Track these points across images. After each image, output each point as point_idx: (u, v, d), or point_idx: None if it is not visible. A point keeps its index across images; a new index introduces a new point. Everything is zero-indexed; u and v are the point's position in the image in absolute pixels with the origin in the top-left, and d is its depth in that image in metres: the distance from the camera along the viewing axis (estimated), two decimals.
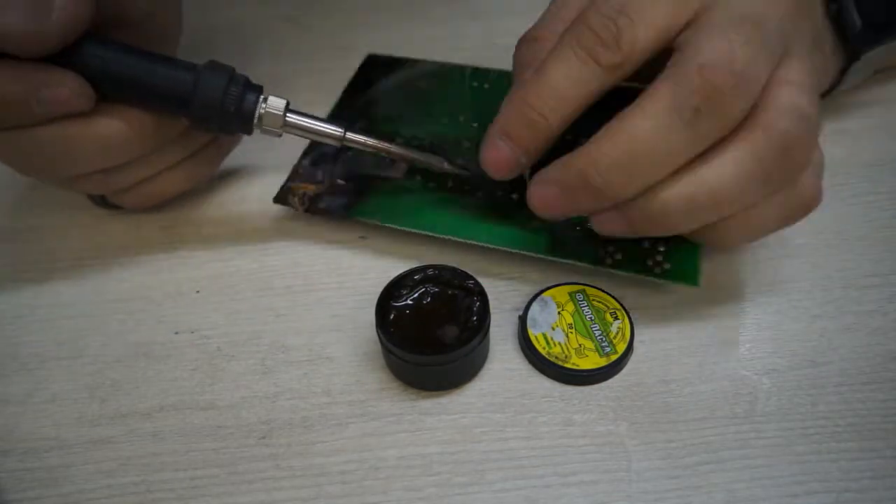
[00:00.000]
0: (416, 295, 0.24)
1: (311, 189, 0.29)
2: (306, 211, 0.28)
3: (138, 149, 0.26)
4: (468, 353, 0.23)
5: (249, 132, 0.26)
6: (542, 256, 0.26)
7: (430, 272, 0.24)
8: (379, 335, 0.23)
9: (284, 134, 0.26)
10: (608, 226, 0.23)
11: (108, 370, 0.25)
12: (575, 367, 0.24)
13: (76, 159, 0.25)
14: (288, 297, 0.27)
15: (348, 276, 0.28)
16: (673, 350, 0.25)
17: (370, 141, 0.26)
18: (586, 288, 0.26)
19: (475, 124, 0.31)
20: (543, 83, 0.22)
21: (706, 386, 0.24)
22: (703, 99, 0.20)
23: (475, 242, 0.26)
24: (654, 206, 0.22)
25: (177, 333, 0.26)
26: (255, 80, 0.26)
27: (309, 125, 0.26)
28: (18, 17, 0.22)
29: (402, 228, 0.27)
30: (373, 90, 0.33)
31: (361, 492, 0.22)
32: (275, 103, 0.25)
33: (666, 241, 0.26)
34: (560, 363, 0.24)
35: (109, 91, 0.24)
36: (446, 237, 0.27)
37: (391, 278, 0.24)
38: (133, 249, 0.29)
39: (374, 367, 0.25)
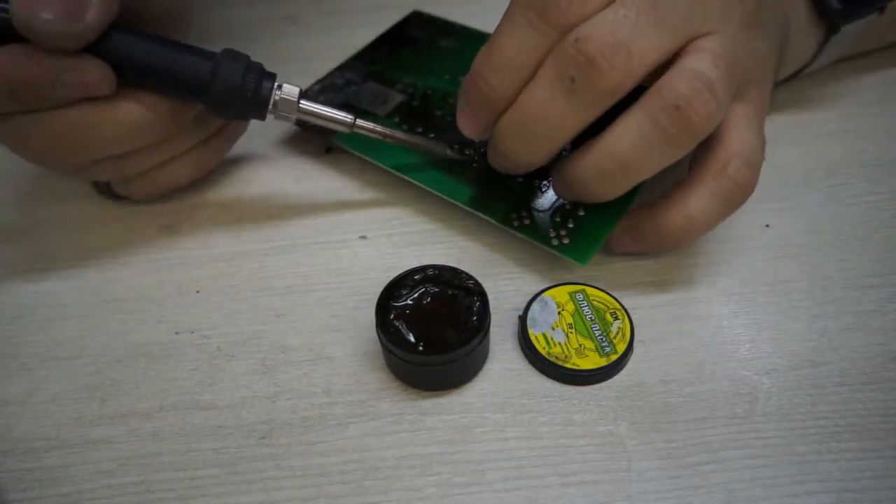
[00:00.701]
0: (416, 295, 0.24)
1: None
2: (297, 125, 0.29)
3: (156, 134, 0.26)
4: (468, 353, 0.23)
5: (263, 118, 0.27)
6: (459, 205, 0.28)
7: (430, 272, 0.24)
8: (379, 335, 0.23)
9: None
10: (556, 189, 0.26)
11: (108, 370, 0.25)
12: (575, 367, 0.24)
13: (94, 143, 0.25)
14: (288, 297, 0.27)
15: (348, 276, 0.28)
16: (673, 350, 0.25)
17: (378, 128, 0.28)
18: (586, 288, 0.26)
19: None
20: (491, 49, 0.23)
21: (706, 386, 0.24)
22: (576, 69, 0.22)
23: (410, 179, 0.29)
24: (571, 174, 0.25)
25: (177, 333, 0.26)
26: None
27: (321, 111, 0.27)
28: (55, 17, 0.22)
29: (359, 154, 0.30)
30: (399, 40, 0.35)
31: (361, 492, 0.22)
32: (289, 90, 0.26)
33: (578, 219, 0.27)
34: (560, 363, 0.24)
35: (131, 77, 0.25)
36: (388, 169, 0.29)
37: (391, 278, 0.24)
38: (133, 249, 0.29)
39: (374, 367, 0.25)
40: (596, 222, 0.27)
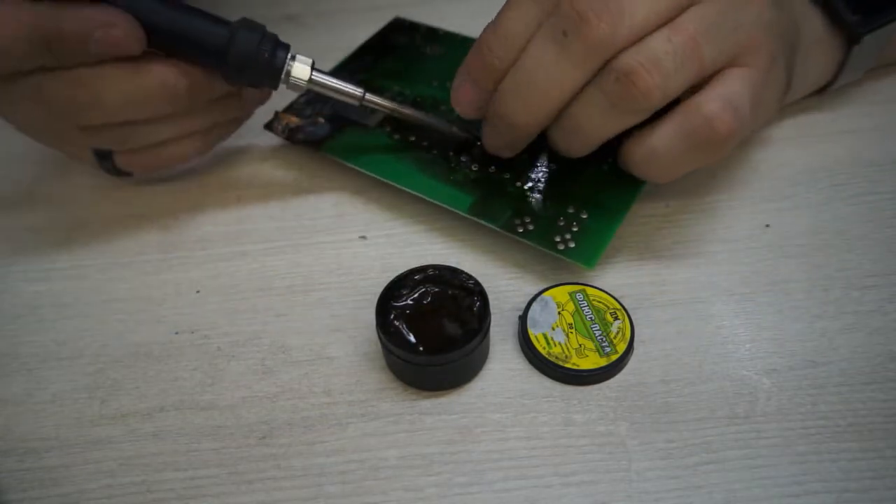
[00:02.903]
0: (416, 295, 0.24)
1: (294, 121, 0.32)
2: (286, 139, 0.31)
3: (177, 103, 0.26)
4: (468, 353, 0.23)
5: (276, 87, 0.27)
6: (462, 213, 0.28)
7: (430, 272, 0.24)
8: (379, 335, 0.23)
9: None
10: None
11: (108, 370, 0.25)
12: (575, 367, 0.24)
13: (113, 104, 0.25)
14: (288, 297, 0.27)
15: (348, 276, 0.28)
16: (673, 350, 0.25)
17: (387, 103, 0.28)
18: (586, 288, 0.26)
19: None
20: (497, 23, 0.25)
21: (706, 386, 0.24)
22: (568, 24, 0.23)
23: (409, 191, 0.29)
24: (551, 134, 0.26)
25: (177, 333, 0.26)
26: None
27: (332, 83, 0.28)
28: None
29: (355, 167, 0.30)
30: (384, 48, 0.36)
31: (361, 492, 0.22)
32: (303, 60, 0.27)
33: (581, 221, 0.27)
34: (560, 363, 0.24)
35: (153, 39, 0.25)
36: (388, 181, 0.29)
37: (391, 278, 0.24)
38: (133, 249, 0.29)
39: (374, 367, 0.25)
40: (600, 224, 0.27)
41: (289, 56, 0.27)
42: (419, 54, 0.35)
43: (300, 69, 0.27)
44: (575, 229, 0.26)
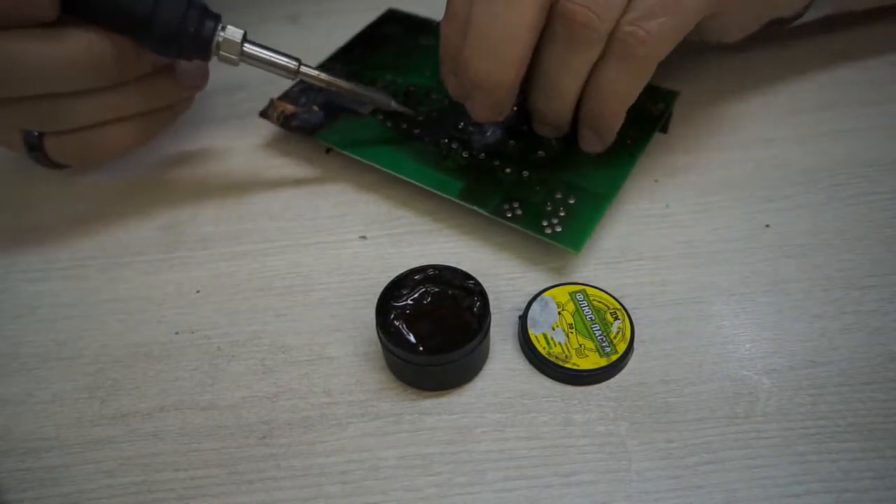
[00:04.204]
0: (416, 295, 0.24)
1: (289, 109, 0.32)
2: (281, 126, 0.31)
3: (107, 73, 0.25)
4: (468, 353, 0.23)
5: (208, 59, 0.26)
6: (451, 198, 0.28)
7: (430, 272, 0.24)
8: (379, 335, 0.23)
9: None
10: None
11: (108, 370, 0.25)
12: (575, 367, 0.24)
13: (33, 71, 0.24)
14: (288, 297, 0.27)
15: (348, 276, 0.28)
16: (673, 350, 0.25)
17: (322, 76, 0.28)
18: (587, 288, 0.26)
19: None
20: (448, 10, 0.26)
21: (706, 386, 0.24)
22: None
23: (400, 176, 0.29)
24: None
25: (177, 333, 0.26)
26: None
27: (264, 56, 0.27)
28: None
29: (349, 154, 0.30)
30: (377, 38, 0.36)
31: (361, 492, 0.22)
32: (232, 31, 0.26)
33: (568, 206, 0.27)
34: (560, 363, 0.24)
35: (68, 4, 0.24)
36: (379, 167, 0.29)
37: (391, 278, 0.24)
38: (133, 249, 0.29)
39: (374, 367, 0.25)
40: (587, 209, 0.27)
41: (219, 27, 0.26)
42: (412, 45, 0.35)
43: (230, 42, 0.26)
44: (562, 214, 0.27)
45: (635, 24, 0.24)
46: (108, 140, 0.27)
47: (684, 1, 0.25)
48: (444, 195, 0.28)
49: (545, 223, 0.27)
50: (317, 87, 0.32)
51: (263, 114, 0.32)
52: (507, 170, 0.29)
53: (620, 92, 0.26)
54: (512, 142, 0.30)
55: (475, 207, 0.27)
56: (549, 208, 0.27)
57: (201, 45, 0.26)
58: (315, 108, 0.32)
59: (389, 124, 0.31)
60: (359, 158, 0.30)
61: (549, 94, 0.27)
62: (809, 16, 0.32)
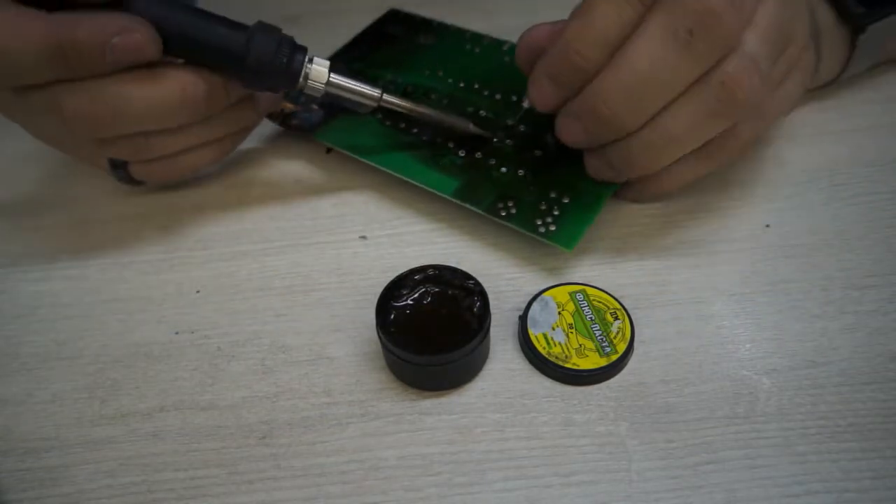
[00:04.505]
0: (416, 295, 0.24)
1: (289, 107, 0.32)
2: (280, 125, 0.32)
3: (199, 110, 0.26)
4: (468, 354, 0.23)
5: (294, 88, 0.27)
6: (446, 196, 0.28)
7: (430, 272, 0.24)
8: (379, 335, 0.23)
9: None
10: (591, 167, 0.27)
11: (108, 370, 0.25)
12: (575, 367, 0.24)
13: (131, 116, 0.25)
14: (288, 297, 0.27)
15: (348, 276, 0.28)
16: (673, 350, 0.25)
17: (405, 103, 0.28)
18: (587, 288, 0.26)
19: (450, 80, 0.33)
20: (587, 24, 0.23)
21: (706, 386, 0.24)
22: (695, 20, 0.22)
23: (396, 174, 0.29)
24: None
25: (177, 333, 0.26)
26: None
27: (350, 85, 0.28)
28: None
29: (347, 153, 0.30)
30: (379, 37, 0.36)
31: (361, 492, 0.22)
32: (320, 62, 0.27)
33: (562, 205, 0.27)
34: (560, 363, 0.24)
35: (168, 46, 0.25)
36: (376, 166, 0.30)
37: (391, 278, 0.24)
38: (133, 249, 0.29)
39: (374, 367, 0.25)
40: (580, 209, 0.27)
41: (306, 59, 0.26)
42: (412, 44, 0.35)
43: (318, 72, 0.27)
44: (556, 213, 0.27)
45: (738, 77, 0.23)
46: (191, 162, 0.29)
47: (803, 84, 0.25)
48: (439, 193, 0.28)
49: (539, 222, 0.27)
50: None
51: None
52: (503, 169, 0.29)
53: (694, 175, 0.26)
54: (509, 141, 0.30)
55: (469, 206, 0.28)
56: (543, 207, 0.27)
57: (291, 77, 0.26)
58: (315, 106, 0.32)
59: (388, 123, 0.31)
60: (356, 157, 0.30)
61: (663, 147, 0.24)
62: (849, 73, 0.32)
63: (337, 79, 0.27)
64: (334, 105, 0.32)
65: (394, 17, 0.37)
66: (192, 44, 0.25)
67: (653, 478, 0.22)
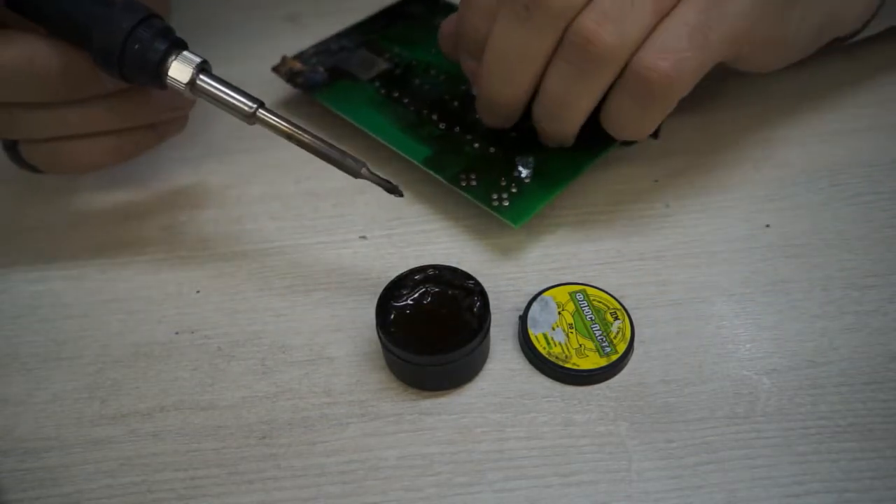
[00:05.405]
0: (416, 295, 0.24)
1: (297, 66, 0.34)
2: (287, 81, 0.33)
3: (54, 88, 0.24)
4: (468, 354, 0.23)
5: (162, 86, 0.23)
6: (415, 163, 0.29)
7: (430, 272, 0.24)
8: (379, 335, 0.23)
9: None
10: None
11: (108, 370, 0.25)
12: (575, 367, 0.24)
13: None
14: (288, 297, 0.27)
15: (348, 276, 0.28)
16: (673, 350, 0.25)
17: (283, 124, 0.23)
18: (587, 288, 0.26)
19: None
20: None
21: (706, 386, 0.24)
22: None
23: (372, 135, 0.30)
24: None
25: (177, 333, 0.26)
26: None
27: (220, 93, 0.23)
28: None
29: (339, 114, 0.31)
30: (399, 15, 0.37)
31: (361, 492, 0.22)
32: (188, 60, 0.23)
33: (522, 184, 0.28)
34: (560, 363, 0.24)
35: (11, 3, 0.22)
36: (361, 127, 0.31)
37: (391, 278, 0.24)
38: (133, 249, 0.29)
39: (374, 367, 0.25)
40: (539, 189, 0.28)
41: (173, 52, 0.22)
42: (429, 24, 0.36)
43: (180, 70, 0.22)
44: (514, 190, 0.28)
45: (657, 58, 0.23)
46: (78, 154, 0.26)
47: (710, 37, 0.24)
48: (410, 158, 0.29)
49: (494, 196, 0.27)
50: (330, 52, 0.34)
51: (275, 69, 0.33)
52: (476, 144, 0.29)
53: (635, 124, 0.26)
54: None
55: (433, 173, 0.28)
56: (503, 183, 0.28)
57: (147, 69, 0.22)
58: (321, 68, 0.33)
59: (383, 91, 0.32)
60: (344, 116, 0.31)
61: (556, 115, 0.26)
62: (871, 29, 0.31)
63: (206, 83, 0.23)
64: (340, 69, 0.33)
65: None
66: (34, 4, 0.22)
67: (653, 478, 0.22)
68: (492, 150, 0.29)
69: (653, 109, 0.25)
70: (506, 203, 0.27)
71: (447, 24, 0.29)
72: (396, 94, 0.32)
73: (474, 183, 0.28)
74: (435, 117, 0.31)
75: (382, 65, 0.34)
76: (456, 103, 0.31)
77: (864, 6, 0.29)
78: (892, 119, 0.32)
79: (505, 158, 0.29)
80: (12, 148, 0.27)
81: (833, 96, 0.33)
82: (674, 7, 0.24)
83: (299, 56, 0.34)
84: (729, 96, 0.34)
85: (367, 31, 0.36)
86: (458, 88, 0.32)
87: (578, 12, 0.23)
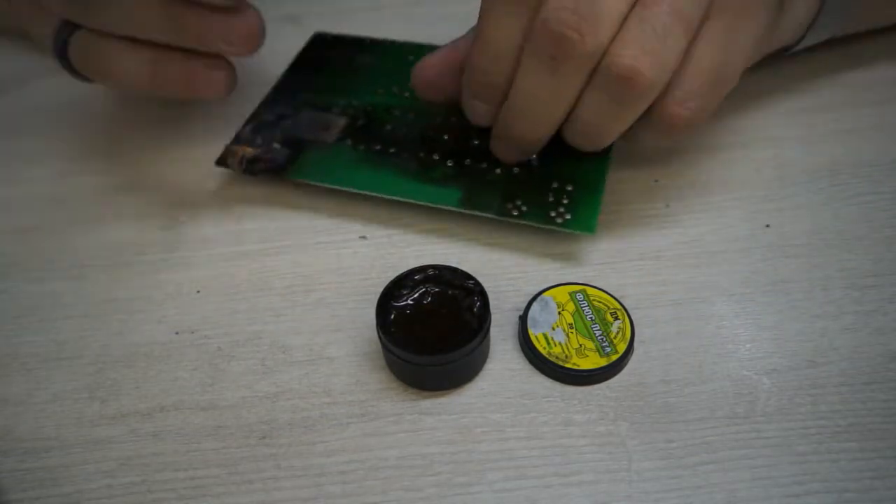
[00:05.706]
0: (416, 295, 0.24)
1: (249, 152, 0.30)
2: (244, 172, 0.30)
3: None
4: (468, 354, 0.23)
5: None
6: (453, 209, 0.28)
7: (430, 272, 0.24)
8: (379, 335, 0.23)
9: None
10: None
11: (108, 370, 0.25)
12: (575, 367, 0.24)
13: None
14: (288, 297, 0.27)
15: (348, 276, 0.28)
16: (673, 350, 0.25)
17: None
18: (587, 288, 0.26)
19: (406, 94, 0.32)
20: (481, 42, 0.25)
21: (706, 386, 0.24)
22: (552, 47, 0.23)
23: (394, 198, 0.28)
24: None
25: (177, 333, 0.26)
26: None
27: None
28: None
29: (330, 186, 0.29)
30: (316, 62, 0.35)
31: (361, 492, 0.22)
32: None
33: (569, 193, 0.27)
34: (560, 363, 0.24)
35: None
36: (370, 193, 0.29)
37: (391, 278, 0.24)
38: (133, 249, 0.29)
39: (374, 367, 0.25)
40: (586, 191, 0.27)
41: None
42: (351, 65, 0.34)
43: None
44: (566, 202, 0.27)
45: (681, 108, 0.24)
46: (123, 65, 0.27)
47: (728, 75, 0.25)
48: (445, 207, 0.28)
49: (553, 213, 0.27)
50: (269, 125, 0.31)
51: (221, 162, 0.30)
52: (497, 170, 0.29)
53: (644, 144, 0.26)
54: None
55: (479, 213, 0.27)
56: (551, 199, 0.27)
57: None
58: (276, 145, 0.30)
59: (361, 147, 0.30)
60: (342, 188, 0.29)
61: (591, 138, 0.26)
62: (810, 39, 0.31)
63: None
64: (296, 139, 0.31)
65: (322, 42, 0.36)
66: None
67: (653, 478, 0.22)
68: (515, 171, 0.28)
69: (669, 141, 0.26)
70: (568, 216, 0.27)
71: (429, 70, 0.28)
72: (378, 147, 0.30)
73: (525, 209, 0.27)
74: (436, 157, 0.29)
75: (339, 121, 0.31)
76: (446, 136, 0.30)
77: (804, 16, 0.30)
78: (892, 119, 0.32)
79: (532, 176, 0.28)
80: (63, 54, 0.28)
81: (833, 96, 0.33)
82: (701, 24, 0.24)
83: (238, 140, 0.30)
84: (728, 96, 0.34)
85: (295, 92, 0.33)
86: (433, 120, 0.31)
87: (607, 48, 0.23)
